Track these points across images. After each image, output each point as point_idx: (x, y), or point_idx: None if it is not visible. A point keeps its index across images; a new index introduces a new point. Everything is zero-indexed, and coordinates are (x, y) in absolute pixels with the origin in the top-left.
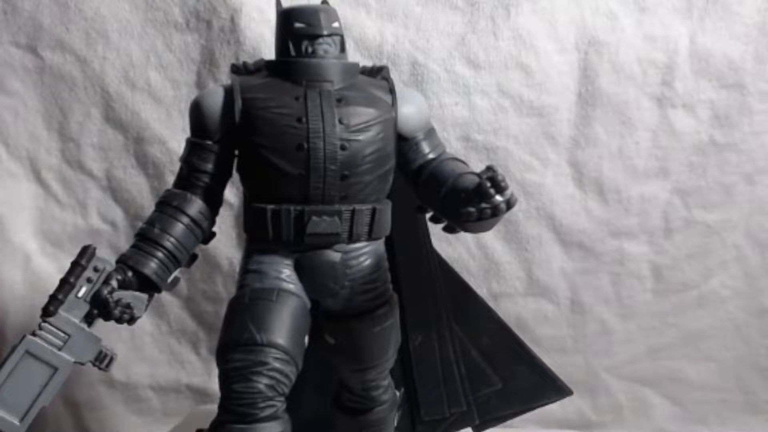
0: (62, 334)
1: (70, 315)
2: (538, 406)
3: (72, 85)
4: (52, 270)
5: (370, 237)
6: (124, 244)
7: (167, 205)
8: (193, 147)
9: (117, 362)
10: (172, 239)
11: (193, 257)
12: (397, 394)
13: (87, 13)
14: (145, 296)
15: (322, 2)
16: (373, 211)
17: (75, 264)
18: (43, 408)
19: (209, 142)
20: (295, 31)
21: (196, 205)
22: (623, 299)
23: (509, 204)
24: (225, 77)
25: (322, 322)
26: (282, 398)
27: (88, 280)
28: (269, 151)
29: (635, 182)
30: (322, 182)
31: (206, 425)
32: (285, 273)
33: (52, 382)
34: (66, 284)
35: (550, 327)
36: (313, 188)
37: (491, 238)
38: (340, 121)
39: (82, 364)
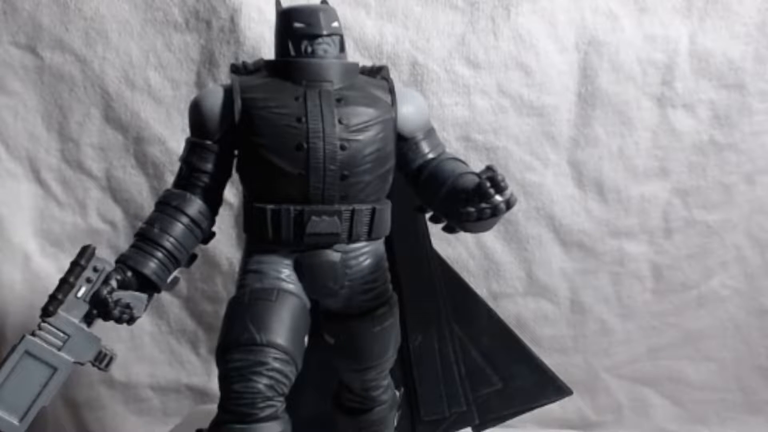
0: (62, 334)
1: (70, 315)
2: (538, 406)
3: (72, 85)
4: (51, 270)
5: (370, 237)
6: (124, 244)
7: (167, 205)
8: (192, 147)
9: (117, 362)
10: (171, 239)
11: (193, 257)
12: (397, 394)
13: (86, 13)
14: (144, 296)
15: (322, 2)
16: (373, 211)
17: (74, 264)
18: (43, 408)
19: (209, 142)
20: (295, 31)
21: (195, 205)
22: (623, 299)
23: (509, 204)
24: (225, 77)
25: (322, 322)
26: (282, 398)
27: (88, 280)
28: (269, 151)
29: (635, 182)
30: (321, 182)
31: (206, 425)
32: (285, 273)
33: (51, 382)
34: (65, 284)
35: (550, 327)
36: (312, 188)
37: (491, 238)
38: (340, 121)
39: (82, 364)
